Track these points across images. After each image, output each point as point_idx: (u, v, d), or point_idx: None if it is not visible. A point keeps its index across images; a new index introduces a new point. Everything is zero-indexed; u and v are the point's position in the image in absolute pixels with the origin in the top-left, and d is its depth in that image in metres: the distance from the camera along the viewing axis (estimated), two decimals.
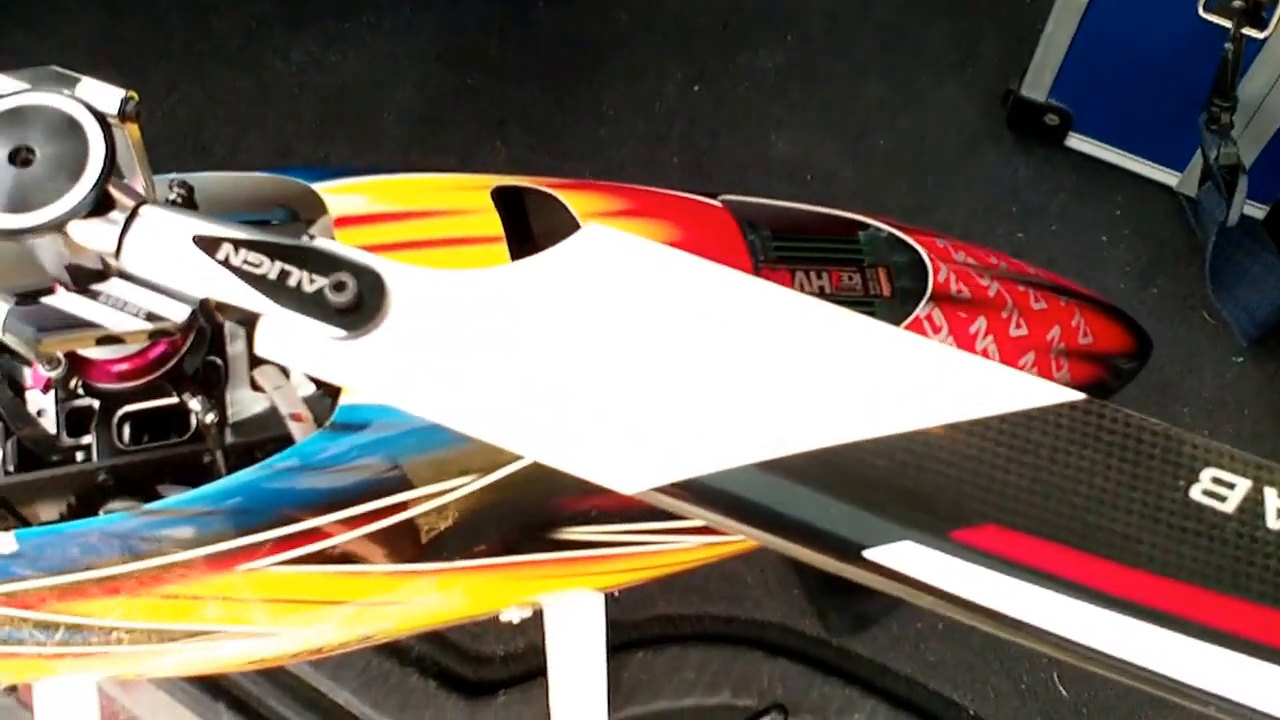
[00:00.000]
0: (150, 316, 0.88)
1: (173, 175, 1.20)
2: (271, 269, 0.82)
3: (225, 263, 0.83)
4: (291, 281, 0.81)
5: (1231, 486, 0.72)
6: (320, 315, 0.80)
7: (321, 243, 0.83)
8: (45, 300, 0.91)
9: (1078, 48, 2.19)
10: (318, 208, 1.25)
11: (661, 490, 0.75)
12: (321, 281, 0.80)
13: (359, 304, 0.79)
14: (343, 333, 0.79)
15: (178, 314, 0.87)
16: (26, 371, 1.23)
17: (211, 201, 1.22)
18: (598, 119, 2.51)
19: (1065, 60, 2.23)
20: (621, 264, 0.81)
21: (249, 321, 0.85)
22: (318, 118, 2.51)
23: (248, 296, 0.82)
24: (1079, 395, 0.74)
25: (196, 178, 1.20)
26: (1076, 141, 2.39)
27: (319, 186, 1.26)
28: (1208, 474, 0.73)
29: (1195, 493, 0.72)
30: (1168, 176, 2.35)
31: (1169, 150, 2.30)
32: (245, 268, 0.82)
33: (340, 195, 1.26)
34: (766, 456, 0.74)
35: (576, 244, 0.82)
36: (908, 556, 0.71)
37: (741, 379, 0.76)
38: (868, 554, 0.72)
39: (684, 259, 0.81)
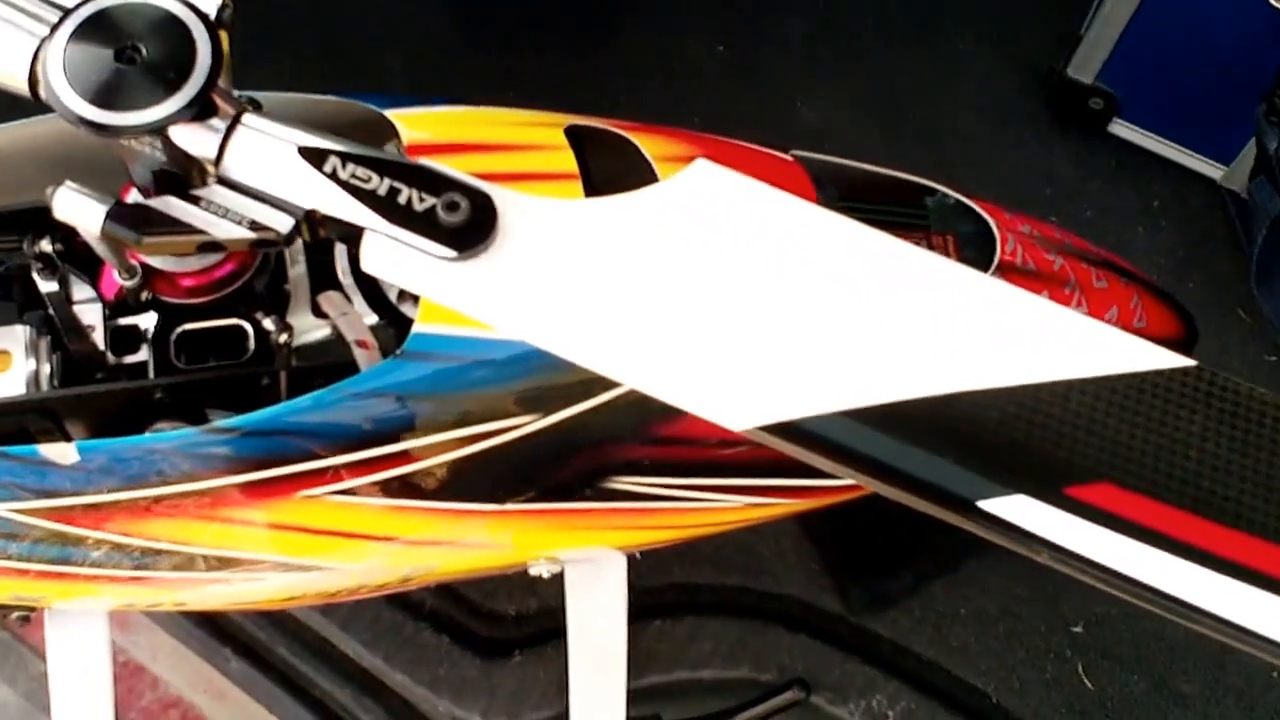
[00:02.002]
0: (254, 226, 0.85)
1: (240, 93, 1.15)
2: (380, 185, 0.81)
3: (333, 175, 0.82)
4: (401, 199, 0.80)
5: None
6: (431, 234, 0.79)
7: (431, 163, 0.82)
8: (146, 201, 0.88)
9: (1135, 29, 2.15)
10: (384, 135, 1.23)
11: (769, 430, 0.75)
12: (432, 200, 0.80)
13: (471, 225, 0.79)
14: (453, 253, 0.78)
15: (282, 224, 0.84)
16: (76, 285, 1.20)
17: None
18: (616, 77, 2.46)
19: (1120, 42, 2.19)
20: (733, 201, 0.81)
21: (352, 238, 0.82)
22: (319, 57, 2.45)
23: (356, 211, 0.81)
24: (1191, 361, 0.75)
25: (265, 96, 1.16)
26: (1120, 128, 2.36)
27: (391, 113, 1.24)
28: None
29: None
30: (1213, 170, 2.33)
31: (1217, 142, 2.27)
32: (353, 182, 0.82)
33: (413, 123, 1.24)
34: (880, 401, 0.74)
35: (689, 179, 0.81)
36: (1022, 510, 0.72)
37: (854, 324, 0.76)
38: (982, 505, 0.72)
39: (791, 200, 0.81)
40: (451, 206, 0.79)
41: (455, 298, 0.80)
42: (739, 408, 0.75)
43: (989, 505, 0.72)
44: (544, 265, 0.79)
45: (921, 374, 0.74)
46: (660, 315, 0.77)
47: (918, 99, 2.45)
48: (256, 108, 1.11)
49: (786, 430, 0.74)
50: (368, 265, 0.81)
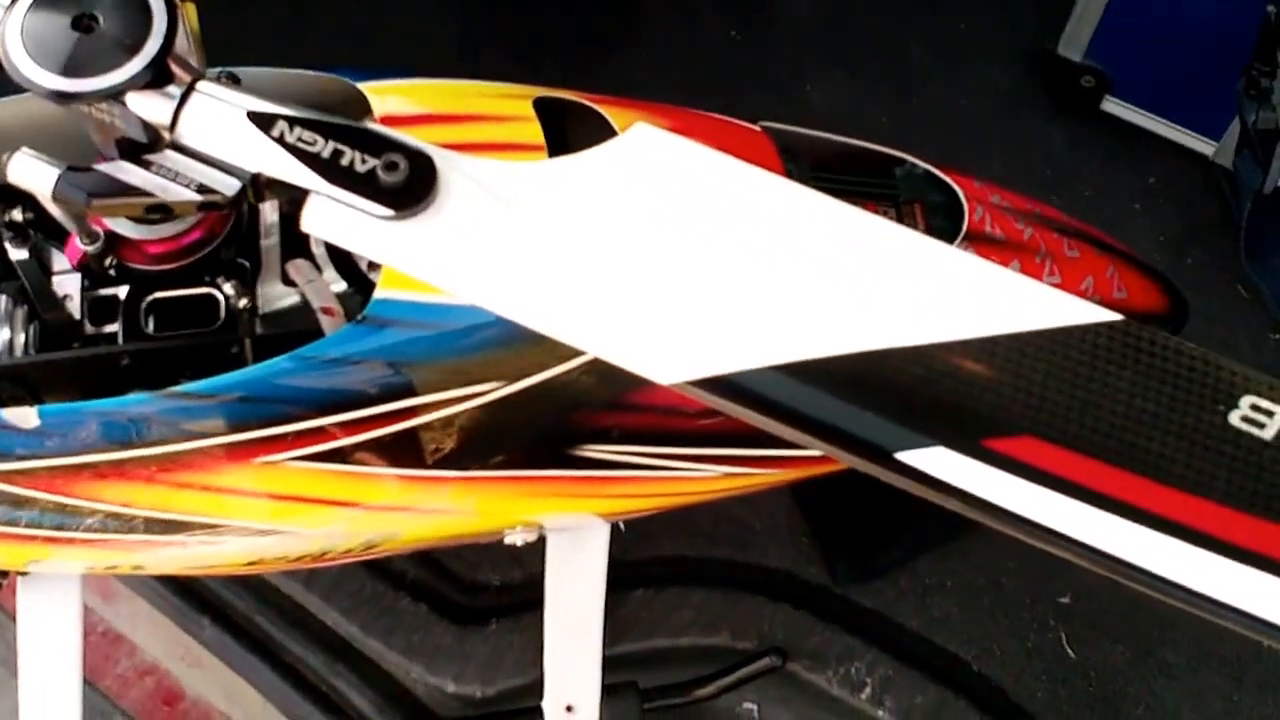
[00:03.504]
0: (201, 189, 0.87)
1: (219, 68, 1.18)
2: (325, 147, 0.82)
3: (280, 139, 0.84)
4: (344, 160, 0.82)
5: (1271, 415, 0.72)
6: (371, 194, 0.80)
7: (374, 125, 0.84)
8: (97, 166, 0.90)
9: (1116, 5, 2.15)
10: (361, 108, 1.24)
11: (697, 384, 0.76)
12: (373, 161, 0.81)
13: (410, 185, 0.80)
14: (391, 213, 0.80)
15: (229, 188, 0.86)
16: (56, 257, 1.23)
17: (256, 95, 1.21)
18: (631, 59, 2.48)
19: (1104, 18, 2.19)
20: (670, 163, 0.82)
21: (297, 201, 0.84)
22: (351, 37, 2.47)
23: (299, 173, 0.83)
24: (1118, 316, 0.75)
25: (243, 71, 1.19)
26: (1112, 106, 2.35)
27: (364, 86, 1.26)
28: (1247, 400, 0.73)
29: (1234, 418, 0.72)
30: (1204, 145, 2.32)
31: (1206, 118, 2.26)
32: (299, 145, 0.83)
33: (385, 95, 1.26)
34: (804, 357, 0.74)
35: (627, 141, 0.82)
36: (940, 461, 0.72)
37: (783, 281, 0.77)
38: (900, 456, 0.73)
39: (730, 162, 0.81)
40: (391, 167, 0.80)
41: (394, 256, 0.82)
42: (669, 362, 0.76)
43: (907, 456, 0.72)
44: (481, 224, 0.80)
45: (848, 331, 0.75)
46: (594, 273, 0.79)
47: (924, 82, 2.47)
48: (234, 81, 1.14)
49: (716, 385, 0.75)
50: (308, 225, 0.83)
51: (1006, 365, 0.73)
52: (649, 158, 0.82)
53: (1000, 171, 2.31)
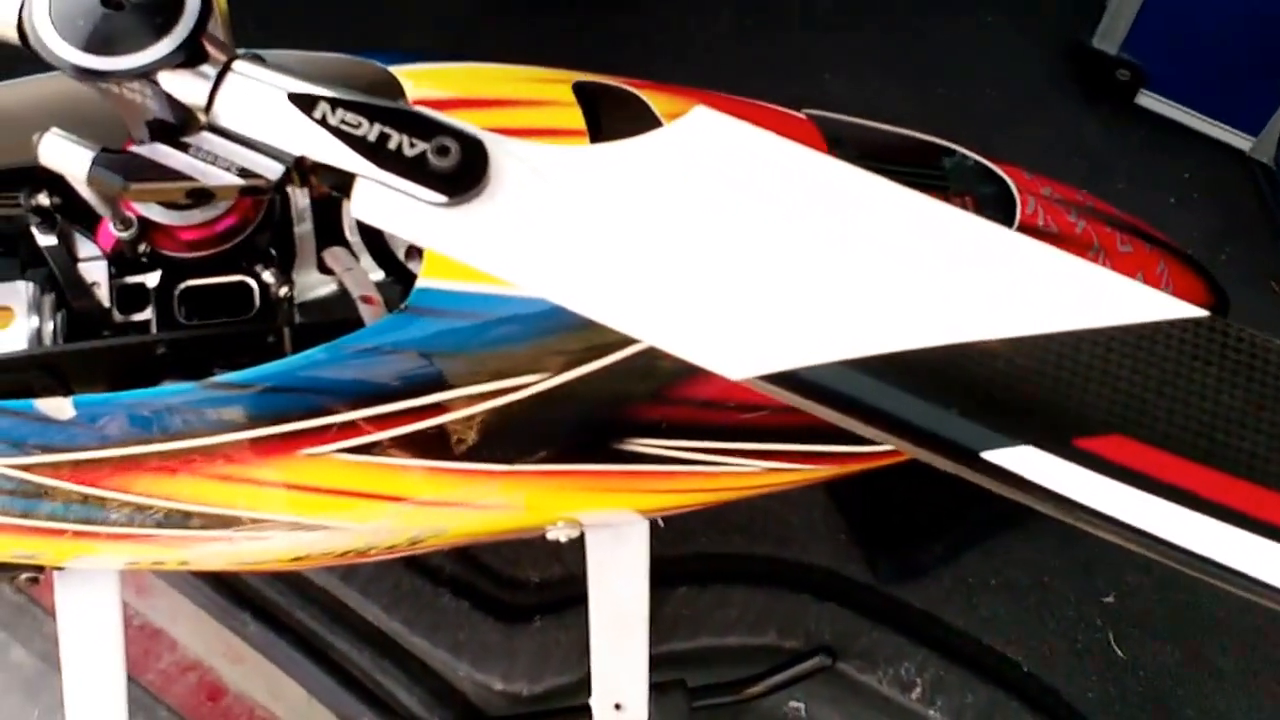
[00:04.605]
0: (242, 173, 0.85)
1: (243, 50, 1.16)
2: (370, 130, 0.81)
3: (322, 121, 0.82)
4: (391, 144, 0.80)
5: None
6: (421, 179, 0.79)
7: (422, 108, 0.82)
8: (133, 149, 0.88)
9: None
10: (392, 93, 1.21)
11: (767, 379, 0.74)
12: (423, 145, 0.79)
13: (462, 170, 0.78)
14: (443, 198, 0.78)
15: (271, 171, 0.84)
16: (82, 243, 1.21)
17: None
18: (643, 50, 2.45)
19: (1141, 10, 2.17)
20: (733, 147, 0.80)
21: (344, 186, 0.82)
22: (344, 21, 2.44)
23: (345, 157, 0.81)
24: (1203, 312, 0.73)
25: (269, 54, 1.13)
26: (1148, 100, 2.33)
27: (397, 69, 1.23)
28: None
29: None
30: (1241, 140, 2.30)
31: (1243, 112, 2.24)
32: (343, 127, 0.81)
33: (418, 79, 1.23)
34: (881, 350, 0.73)
35: (686, 125, 0.80)
36: (1029, 461, 0.71)
37: (857, 271, 0.75)
38: (986, 456, 0.71)
39: (795, 147, 0.79)
40: (442, 151, 0.78)
41: (446, 243, 0.80)
42: (738, 356, 0.74)
43: (994, 456, 0.71)
44: (536, 210, 0.78)
45: (927, 323, 0.73)
46: (656, 261, 0.77)
47: (947, 72, 2.43)
48: (259, 62, 1.12)
49: (787, 379, 0.73)
50: (358, 211, 0.81)
51: (1094, 362, 0.72)
52: (711, 142, 0.80)
53: (1030, 161, 2.27)
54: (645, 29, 2.47)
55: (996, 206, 1.48)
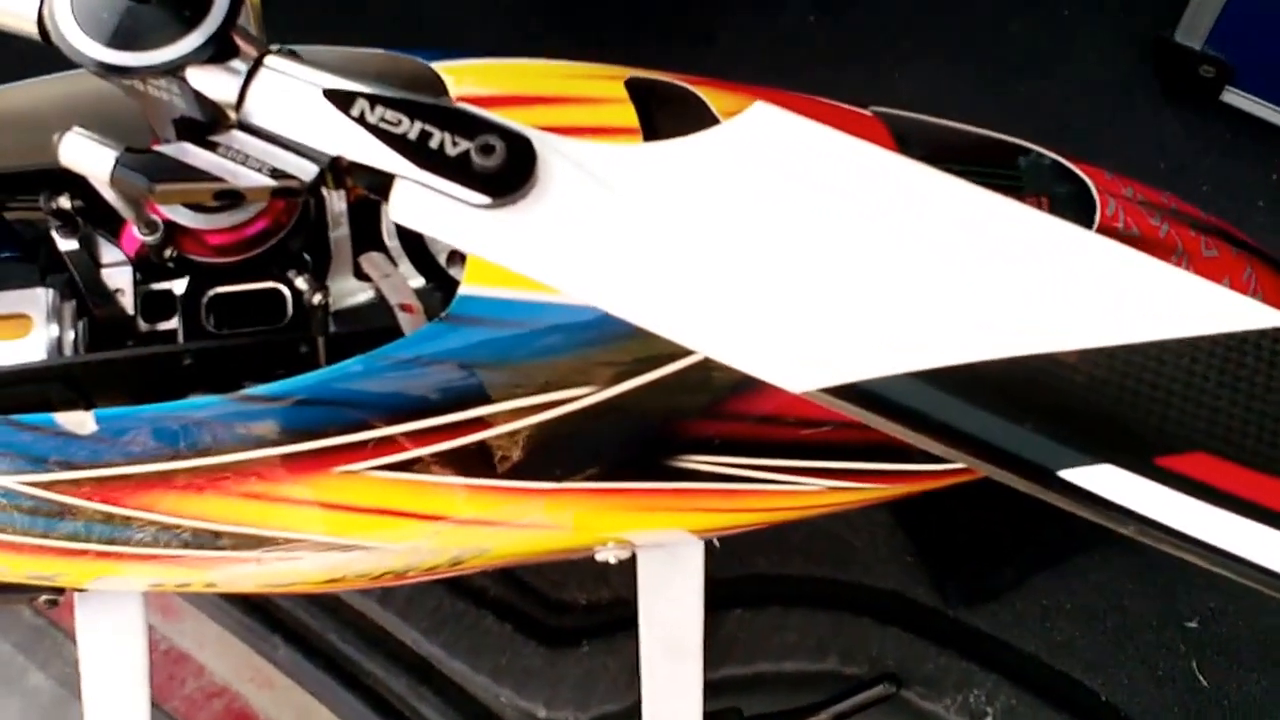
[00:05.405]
0: (275, 173, 0.81)
1: (277, 45, 1.13)
2: (411, 128, 0.78)
3: (360, 119, 0.79)
4: (433, 143, 0.77)
5: None
6: (465, 180, 0.76)
7: (464, 105, 0.79)
8: (157, 148, 0.84)
9: None
10: (434, 90, 1.18)
11: (830, 392, 0.71)
12: (466, 144, 0.76)
13: (508, 170, 0.75)
14: (488, 200, 0.75)
15: (305, 172, 0.81)
16: (104, 247, 1.18)
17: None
18: (705, 46, 2.40)
19: (1227, 5, 2.08)
20: (796, 146, 0.77)
21: (382, 188, 0.79)
22: (393, 19, 2.42)
23: (384, 157, 0.78)
24: None
25: (305, 50, 1.11)
26: (1233, 97, 2.23)
27: (439, 65, 1.20)
28: None
29: None
30: None
31: None
32: (382, 126, 0.79)
33: (461, 76, 1.19)
34: (953, 361, 0.70)
35: (746, 122, 0.77)
36: (1108, 481, 0.68)
37: (927, 278, 0.72)
38: (1064, 475, 0.68)
39: (863, 146, 0.76)
40: (486, 150, 0.75)
41: (491, 248, 0.77)
42: (800, 367, 0.71)
43: (1072, 475, 0.68)
44: (586, 212, 0.76)
45: (1000, 333, 0.70)
46: (713, 267, 0.73)
47: (1021, 69, 2.36)
48: (293, 58, 1.09)
49: (852, 393, 0.70)
50: (396, 214, 0.78)
51: (1177, 374, 0.69)
52: (772, 139, 0.77)
53: (1110, 160, 2.22)
54: (710, 29, 2.42)
55: (1074, 208, 1.42)
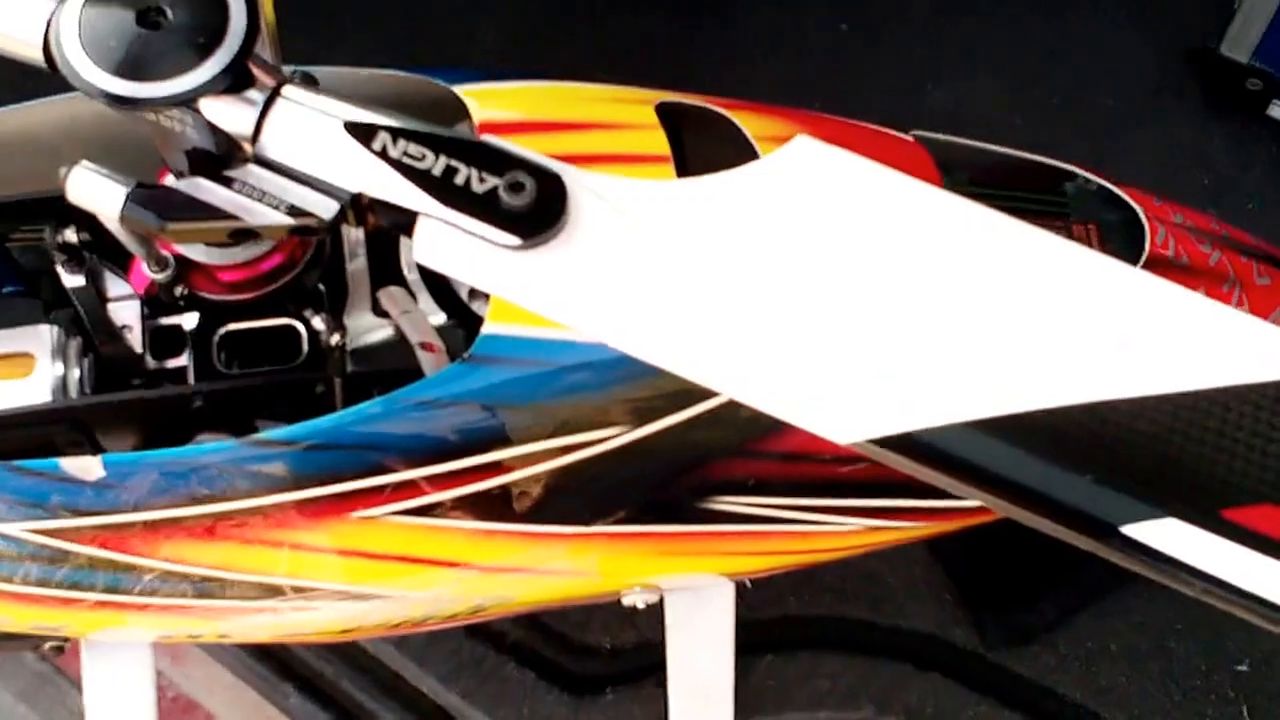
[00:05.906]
0: (292, 210, 0.79)
1: (292, 67, 1.10)
2: (435, 164, 0.76)
3: (382, 154, 0.77)
4: (459, 179, 0.75)
5: None
6: (492, 219, 0.74)
7: (492, 138, 0.77)
8: (168, 182, 0.82)
9: None
10: (455, 115, 1.16)
11: (879, 443, 0.69)
12: (494, 181, 0.74)
13: (538, 209, 0.73)
14: (518, 241, 0.73)
15: (325, 209, 0.78)
16: (111, 281, 1.16)
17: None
18: (729, 56, 2.35)
19: (1276, 15, 2.05)
20: (839, 182, 0.75)
21: (405, 225, 0.77)
22: (399, 25, 2.38)
23: (408, 194, 0.76)
24: None
25: (321, 71, 1.10)
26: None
27: (462, 89, 1.17)
28: None
29: None
30: None
31: None
32: (405, 161, 0.76)
33: (484, 99, 1.17)
34: (1010, 410, 0.67)
35: (787, 156, 0.75)
36: (1172, 536, 0.66)
37: (980, 322, 0.70)
38: (1126, 530, 0.66)
39: (911, 183, 0.74)
40: (515, 188, 0.73)
41: (521, 291, 0.74)
42: (846, 418, 0.69)
43: (1134, 530, 0.66)
44: (620, 254, 0.74)
45: (1058, 380, 0.68)
46: (754, 312, 0.72)
47: (1058, 81, 2.31)
48: (311, 83, 1.06)
49: (901, 444, 0.68)
50: (421, 255, 0.76)
51: (1244, 422, 0.67)
52: (814, 175, 0.75)
53: (1151, 179, 2.18)
54: (734, 37, 2.39)
55: (1123, 236, 1.40)
